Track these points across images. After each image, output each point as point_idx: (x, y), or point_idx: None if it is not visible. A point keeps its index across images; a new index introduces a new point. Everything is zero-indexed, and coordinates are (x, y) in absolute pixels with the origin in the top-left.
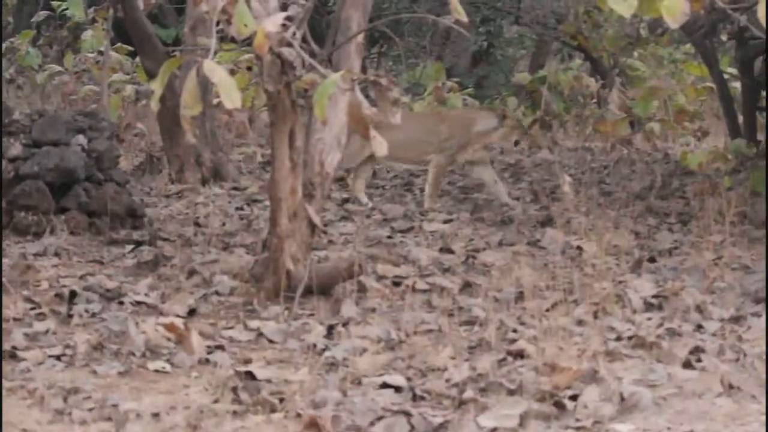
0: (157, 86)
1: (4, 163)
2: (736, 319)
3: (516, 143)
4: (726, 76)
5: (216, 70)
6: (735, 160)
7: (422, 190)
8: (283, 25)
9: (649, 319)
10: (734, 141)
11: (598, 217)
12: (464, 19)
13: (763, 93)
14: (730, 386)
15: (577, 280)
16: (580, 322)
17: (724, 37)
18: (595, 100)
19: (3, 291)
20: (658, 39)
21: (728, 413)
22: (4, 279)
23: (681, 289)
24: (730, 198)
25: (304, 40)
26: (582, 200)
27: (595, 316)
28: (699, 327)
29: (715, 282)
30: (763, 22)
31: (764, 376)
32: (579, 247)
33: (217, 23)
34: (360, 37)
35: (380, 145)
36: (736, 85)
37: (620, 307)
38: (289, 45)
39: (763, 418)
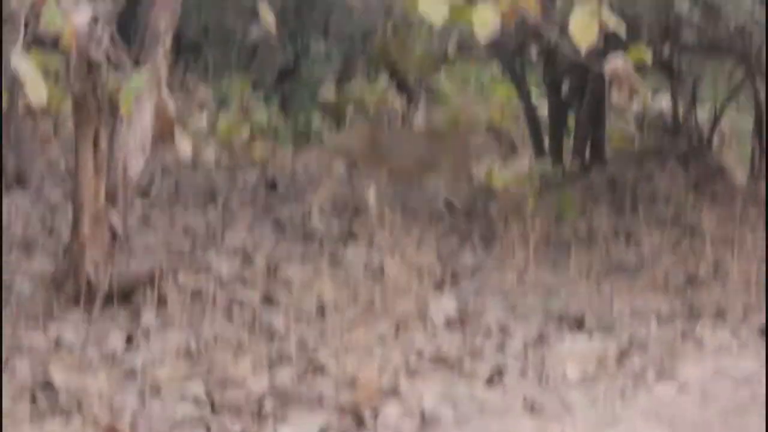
0: None
1: None
2: (539, 340)
3: None
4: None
5: (23, 63)
6: (540, 182)
7: (224, 202)
8: (92, 24)
9: (451, 337)
10: (539, 162)
11: (401, 234)
12: (272, 30)
13: (570, 113)
14: (532, 406)
15: (379, 296)
16: (381, 339)
17: (533, 56)
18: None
19: None
20: (466, 58)
21: None
22: None
23: (483, 309)
24: (534, 219)
25: (111, 40)
26: (385, 217)
27: (397, 333)
28: (501, 347)
29: (517, 302)
30: (575, 37)
31: (567, 397)
32: (381, 264)
33: (26, 24)
34: (167, 44)
35: (186, 146)
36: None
37: (422, 325)
38: (97, 44)
39: None
